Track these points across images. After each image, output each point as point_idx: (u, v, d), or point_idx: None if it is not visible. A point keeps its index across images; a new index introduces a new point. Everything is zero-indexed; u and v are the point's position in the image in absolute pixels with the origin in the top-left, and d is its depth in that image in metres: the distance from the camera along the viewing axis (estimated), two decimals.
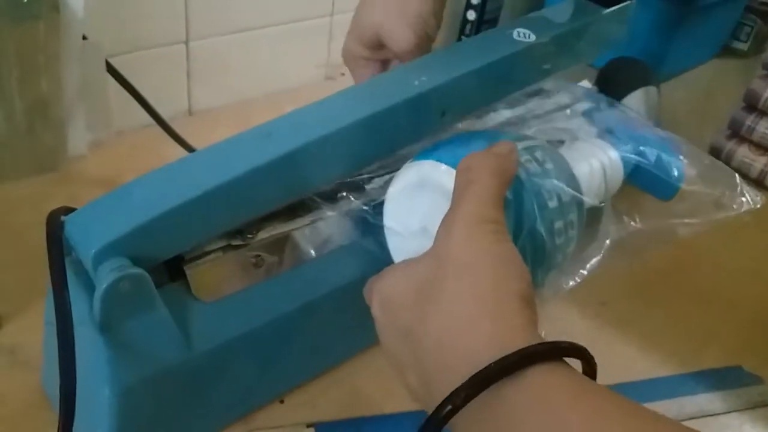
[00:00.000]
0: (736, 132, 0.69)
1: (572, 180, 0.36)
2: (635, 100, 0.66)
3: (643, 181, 0.43)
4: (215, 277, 0.35)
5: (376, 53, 0.44)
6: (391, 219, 0.36)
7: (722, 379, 0.47)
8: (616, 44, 0.50)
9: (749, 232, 0.62)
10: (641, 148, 0.43)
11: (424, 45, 0.43)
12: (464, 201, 0.30)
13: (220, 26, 0.60)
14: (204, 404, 0.36)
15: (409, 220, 0.35)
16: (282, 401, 0.40)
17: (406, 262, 0.31)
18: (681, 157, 0.42)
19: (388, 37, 0.42)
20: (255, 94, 0.62)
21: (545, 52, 0.43)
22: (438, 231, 0.29)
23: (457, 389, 0.24)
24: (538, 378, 0.24)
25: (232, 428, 0.38)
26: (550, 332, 0.46)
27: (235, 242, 0.35)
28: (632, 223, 0.41)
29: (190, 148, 0.55)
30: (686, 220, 0.41)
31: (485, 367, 0.24)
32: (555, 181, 0.35)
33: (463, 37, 0.80)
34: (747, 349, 0.49)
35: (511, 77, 0.42)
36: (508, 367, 0.24)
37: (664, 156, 0.42)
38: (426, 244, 0.30)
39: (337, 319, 0.39)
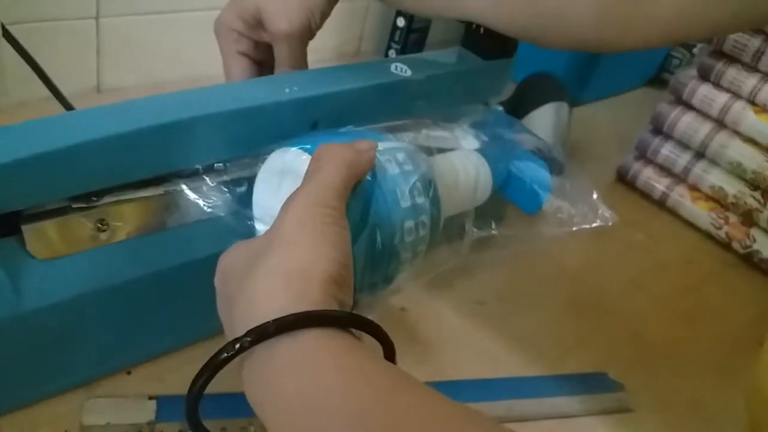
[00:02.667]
0: (643, 154, 0.71)
1: (430, 185, 0.37)
2: (545, 113, 0.68)
3: (512, 194, 0.46)
4: (53, 236, 0.34)
5: (252, 31, 0.44)
6: (256, 204, 0.37)
7: (585, 383, 0.48)
8: (495, 94, 0.55)
9: (641, 249, 0.64)
10: (515, 164, 0.46)
11: (303, 35, 0.43)
12: (307, 184, 0.30)
13: (132, 5, 0.60)
14: (38, 365, 0.36)
15: (273, 205, 0.36)
16: (129, 372, 0.40)
17: (250, 239, 0.31)
18: (550, 176, 0.45)
19: (268, 18, 0.42)
20: (166, 76, 0.62)
21: (418, 88, 0.46)
22: (280, 209, 0.30)
23: (234, 339, 0.25)
24: (312, 339, 0.25)
25: (71, 394, 0.38)
26: (423, 324, 0.47)
27: (77, 204, 0.35)
28: (493, 231, 0.43)
29: None
30: (545, 230, 0.43)
31: (263, 324, 0.25)
32: (411, 183, 0.36)
33: (392, 43, 0.81)
34: (614, 357, 0.51)
35: (383, 104, 0.44)
36: (284, 325, 0.24)
37: (534, 175, 0.45)
38: None
39: (192, 295, 0.39)
